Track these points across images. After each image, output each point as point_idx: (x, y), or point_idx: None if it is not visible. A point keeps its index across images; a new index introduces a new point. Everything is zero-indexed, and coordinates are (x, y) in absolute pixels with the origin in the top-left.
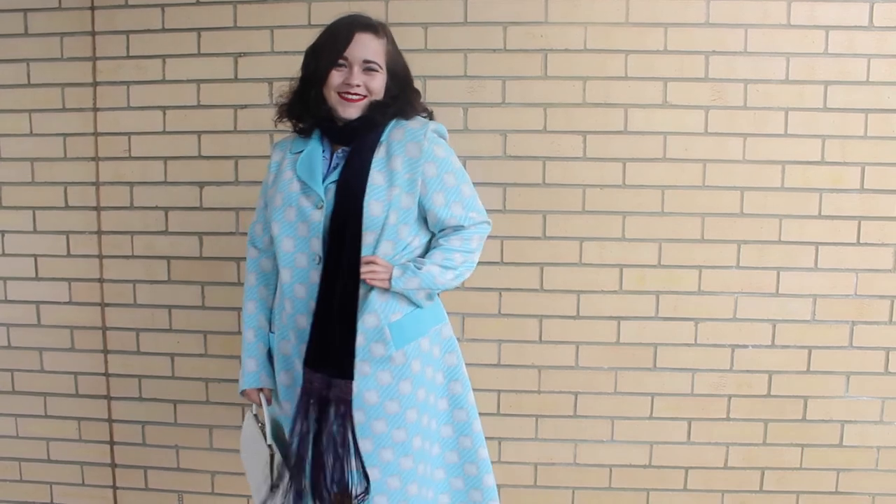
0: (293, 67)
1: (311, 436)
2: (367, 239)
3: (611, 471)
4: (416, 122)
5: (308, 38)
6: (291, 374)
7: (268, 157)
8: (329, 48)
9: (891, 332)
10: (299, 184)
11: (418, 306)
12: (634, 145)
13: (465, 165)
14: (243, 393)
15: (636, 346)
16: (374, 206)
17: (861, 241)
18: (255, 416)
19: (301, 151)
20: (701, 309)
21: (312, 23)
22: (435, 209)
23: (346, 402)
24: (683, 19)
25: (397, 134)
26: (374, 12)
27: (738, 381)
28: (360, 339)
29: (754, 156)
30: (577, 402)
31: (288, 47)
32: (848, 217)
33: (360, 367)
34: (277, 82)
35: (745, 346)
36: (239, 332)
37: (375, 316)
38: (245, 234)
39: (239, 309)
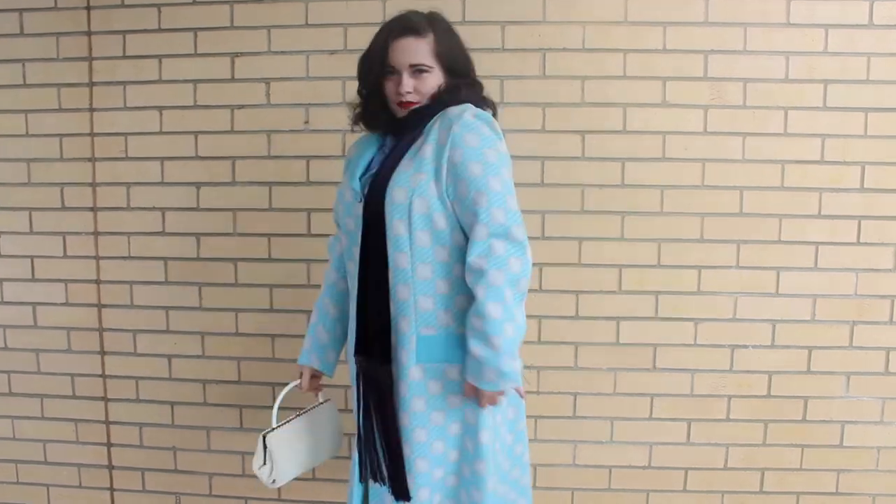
0: (290, 67)
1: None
2: (399, 229)
3: (610, 472)
4: (458, 108)
5: (305, 37)
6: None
7: (264, 157)
8: (372, 59)
9: (891, 332)
10: (346, 180)
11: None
12: (633, 145)
13: None
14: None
15: (635, 346)
16: (397, 192)
17: (861, 241)
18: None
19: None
20: (700, 309)
21: (309, 22)
22: (458, 199)
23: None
24: (682, 18)
25: (437, 121)
26: (373, 13)
27: (738, 382)
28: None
29: (754, 155)
30: (577, 403)
31: (285, 47)
32: (848, 217)
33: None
34: (275, 82)
35: (745, 347)
36: (236, 334)
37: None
38: (242, 234)
39: (235, 310)
